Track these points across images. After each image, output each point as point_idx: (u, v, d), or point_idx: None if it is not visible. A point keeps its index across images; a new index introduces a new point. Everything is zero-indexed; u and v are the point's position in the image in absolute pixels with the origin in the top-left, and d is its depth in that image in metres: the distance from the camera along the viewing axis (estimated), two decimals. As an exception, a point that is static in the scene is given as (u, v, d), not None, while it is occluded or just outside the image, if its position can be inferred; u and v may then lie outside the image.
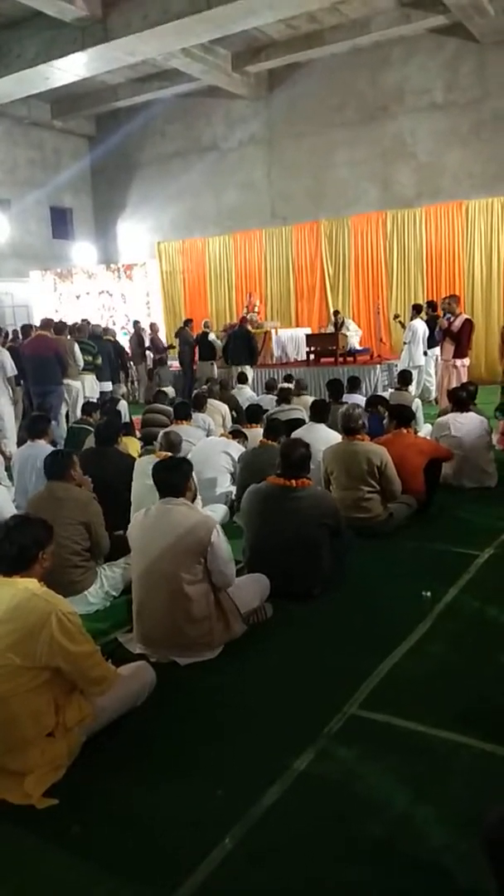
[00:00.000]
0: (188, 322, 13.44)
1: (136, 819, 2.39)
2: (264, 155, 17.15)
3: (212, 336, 12.84)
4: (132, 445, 6.77)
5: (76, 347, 9.70)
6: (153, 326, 14.40)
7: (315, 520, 3.98)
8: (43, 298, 17.13)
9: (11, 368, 8.47)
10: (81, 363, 9.78)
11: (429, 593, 3.95)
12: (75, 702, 2.62)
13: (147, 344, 14.04)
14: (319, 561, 3.99)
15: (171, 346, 14.22)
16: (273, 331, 13.48)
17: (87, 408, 8.69)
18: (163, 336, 14.74)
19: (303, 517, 3.97)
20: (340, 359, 11.84)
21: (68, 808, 2.42)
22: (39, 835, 2.32)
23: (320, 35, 14.48)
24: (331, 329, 13.10)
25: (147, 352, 13.96)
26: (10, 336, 11.42)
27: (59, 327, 9.98)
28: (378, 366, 11.57)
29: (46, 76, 14.14)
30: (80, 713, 2.61)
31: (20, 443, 6.86)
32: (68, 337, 10.10)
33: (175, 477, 3.56)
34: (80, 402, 9.17)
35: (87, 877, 2.15)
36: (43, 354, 8.93)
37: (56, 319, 10.83)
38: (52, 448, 6.11)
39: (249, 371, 11.29)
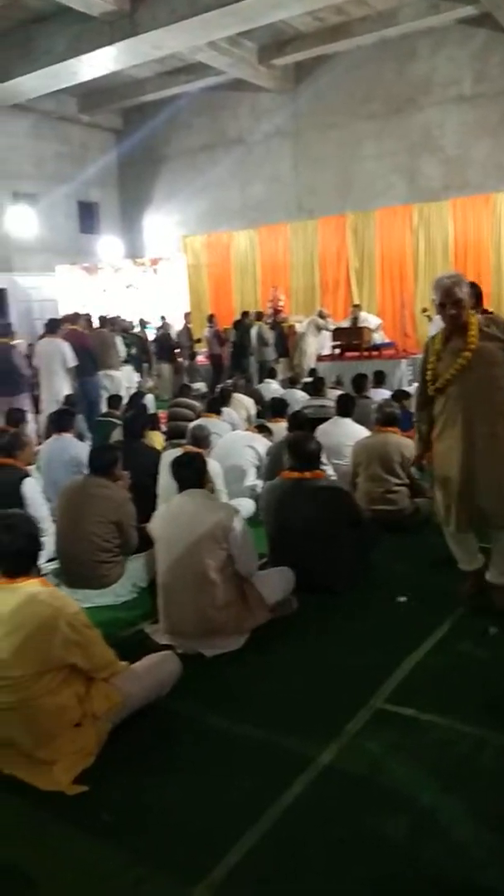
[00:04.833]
0: (212, 317, 13.54)
1: (163, 807, 2.42)
2: (290, 148, 17.09)
3: (255, 330, 12.76)
4: (156, 439, 6.82)
5: (118, 340, 9.89)
6: (187, 317, 14.47)
7: (331, 511, 4.00)
8: (70, 293, 17.24)
9: (73, 359, 8.72)
10: (123, 355, 9.98)
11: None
12: (101, 690, 2.66)
13: (175, 338, 14.11)
14: (339, 553, 4.00)
15: (198, 340, 14.28)
16: (297, 325, 13.46)
17: (113, 401, 8.80)
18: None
19: (318, 509, 3.99)
20: (365, 353, 11.79)
21: (97, 795, 2.46)
22: (69, 821, 2.36)
23: (347, 27, 14.36)
24: (349, 323, 13.03)
25: (175, 346, 14.03)
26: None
27: (103, 321, 10.25)
28: (403, 360, 11.49)
29: (74, 71, 14.19)
30: (107, 701, 2.64)
31: (46, 436, 6.94)
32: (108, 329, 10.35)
33: (191, 472, 3.64)
34: (123, 392, 9.37)
35: (116, 863, 2.19)
36: (76, 348, 9.10)
37: (82, 314, 10.96)
38: (78, 441, 6.20)
39: (279, 365, 11.35)
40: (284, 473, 4.18)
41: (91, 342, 9.49)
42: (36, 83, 14.72)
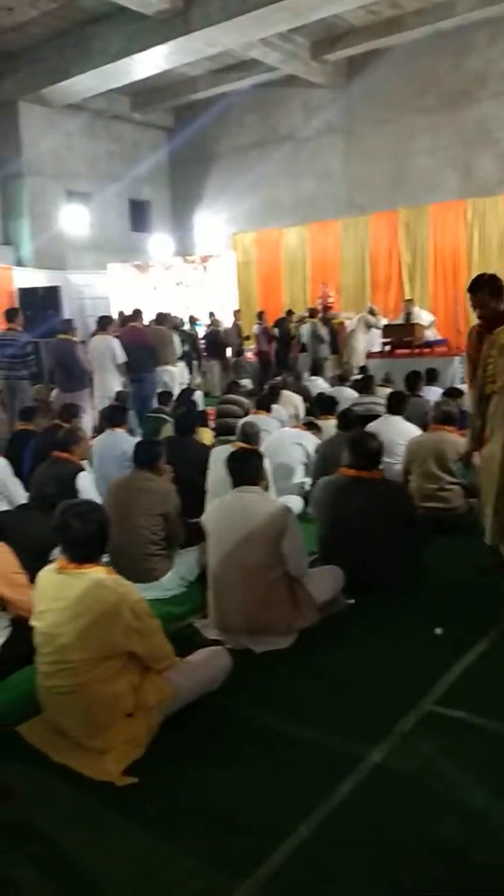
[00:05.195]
0: (261, 314, 13.57)
1: (211, 802, 2.43)
2: (342, 143, 16.96)
3: (308, 327, 12.74)
4: (205, 435, 6.86)
5: (175, 336, 10.06)
6: (237, 314, 14.53)
7: (388, 512, 3.96)
8: (121, 290, 17.44)
9: (122, 356, 8.87)
10: (180, 351, 10.15)
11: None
12: (154, 682, 2.69)
13: (223, 335, 14.18)
14: (393, 553, 3.96)
15: (247, 337, 14.31)
16: (347, 322, 13.37)
17: (163, 397, 8.89)
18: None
19: (375, 509, 3.95)
20: (416, 350, 11.64)
21: (147, 787, 2.48)
22: (121, 812, 2.39)
23: (401, 20, 14.17)
24: (402, 319, 12.88)
25: (224, 343, 14.10)
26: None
27: (161, 318, 10.46)
28: (456, 358, 11.30)
29: (127, 70, 14.36)
30: (159, 693, 2.67)
31: (98, 431, 7.04)
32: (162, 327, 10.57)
33: (247, 468, 3.63)
34: (177, 387, 9.51)
35: (165, 855, 2.21)
36: (135, 344, 9.25)
37: (132, 311, 11.09)
38: (129, 436, 6.28)
39: (328, 363, 11.34)
40: (342, 470, 4.16)
41: (151, 339, 9.64)
42: (90, 82, 14.93)
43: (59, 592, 2.63)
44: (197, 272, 16.74)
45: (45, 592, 2.69)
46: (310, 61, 15.42)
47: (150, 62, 14.06)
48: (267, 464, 5.19)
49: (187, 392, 9.27)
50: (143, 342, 9.49)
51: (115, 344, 9.07)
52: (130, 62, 13.92)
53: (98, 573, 2.64)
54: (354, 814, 2.34)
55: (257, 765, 2.61)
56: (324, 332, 12.43)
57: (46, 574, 2.73)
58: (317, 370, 10.54)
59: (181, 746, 2.69)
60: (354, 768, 2.53)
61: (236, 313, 14.97)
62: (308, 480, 5.69)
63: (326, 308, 13.66)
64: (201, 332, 14.60)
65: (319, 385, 9.40)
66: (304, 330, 12.74)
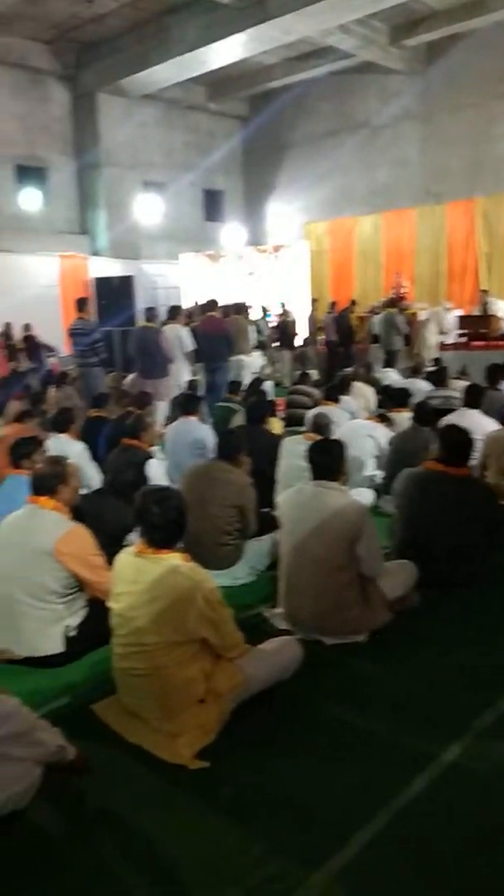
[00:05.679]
0: (333, 304, 13.48)
1: (282, 791, 2.44)
2: (419, 131, 16.62)
3: (382, 316, 12.59)
4: (275, 426, 6.85)
5: (251, 326, 10.13)
6: (314, 304, 14.48)
7: (474, 510, 3.86)
8: (193, 280, 17.58)
9: (191, 344, 8.98)
10: (254, 341, 10.21)
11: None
12: (226, 669, 2.71)
13: (293, 325, 14.14)
14: (473, 551, 3.87)
15: (320, 328, 14.22)
16: (420, 313, 13.13)
17: (233, 387, 8.92)
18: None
19: (461, 506, 3.85)
20: (493, 342, 11.33)
21: (218, 773, 2.51)
22: (191, 795, 2.42)
23: (483, 3, 13.74)
24: (478, 310, 12.57)
25: (294, 333, 14.07)
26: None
27: (238, 308, 10.56)
28: (534, 351, 10.97)
29: (204, 59, 14.41)
30: (230, 681, 2.69)
31: (172, 418, 7.12)
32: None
33: (330, 460, 3.56)
34: (248, 377, 9.56)
35: (236, 841, 2.22)
36: (212, 334, 9.32)
37: (208, 301, 11.17)
38: (202, 425, 6.33)
39: (401, 354, 11.18)
40: (427, 464, 4.09)
41: (227, 328, 9.71)
42: (167, 72, 15.05)
43: (136, 576, 2.67)
44: (268, 262, 16.71)
45: (123, 575, 2.74)
46: (388, 47, 15.15)
47: (226, 51, 14.07)
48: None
49: (258, 382, 9.27)
50: (220, 332, 9.54)
51: (185, 333, 9.15)
52: (207, 51, 13.96)
53: (174, 559, 2.67)
54: (427, 811, 2.31)
55: (328, 756, 2.61)
56: (402, 323, 12.21)
57: (125, 557, 2.78)
58: (390, 362, 10.39)
59: (252, 734, 2.70)
60: (427, 766, 2.50)
61: (314, 303, 14.88)
62: (379, 473, 5.62)
63: (400, 298, 13.44)
64: (272, 322, 14.57)
65: (392, 377, 9.26)
66: (377, 320, 12.56)
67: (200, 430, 5.96)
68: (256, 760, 2.59)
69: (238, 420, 6.94)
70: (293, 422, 7.84)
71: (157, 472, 5.11)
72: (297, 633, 3.35)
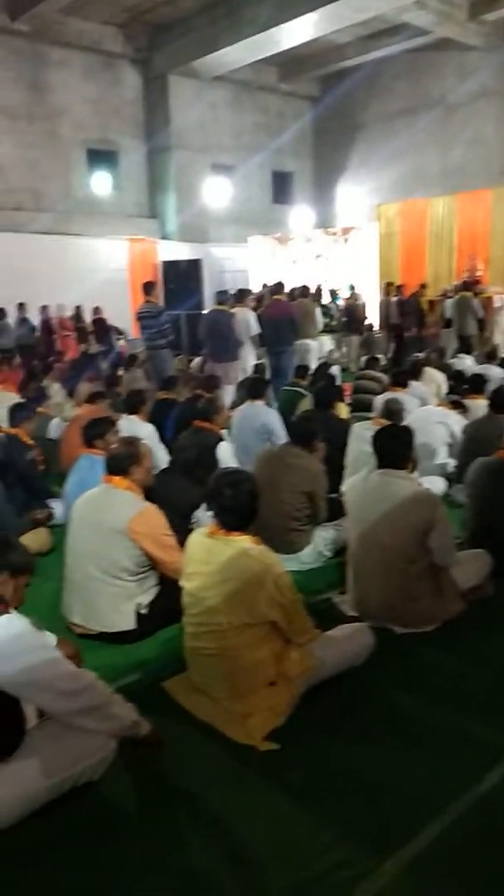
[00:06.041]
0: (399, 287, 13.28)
1: (353, 777, 2.42)
2: (497, 109, 16.09)
3: (455, 300, 12.32)
4: (342, 411, 6.77)
5: (318, 310, 10.05)
6: (390, 289, 14.25)
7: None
8: (260, 263, 17.53)
9: (257, 328, 9.00)
10: (321, 325, 10.12)
11: None
12: (297, 653, 2.70)
13: (362, 309, 13.94)
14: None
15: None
16: (496, 297, 12.74)
17: (300, 371, 8.86)
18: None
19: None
20: None
21: (287, 756, 2.51)
22: (261, 776, 2.43)
23: None
24: None
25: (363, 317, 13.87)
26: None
27: (303, 291, 10.50)
28: None
29: (277, 39, 14.27)
30: (301, 665, 2.68)
31: (239, 402, 7.13)
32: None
33: (397, 446, 3.48)
34: (315, 361, 9.51)
35: (306, 826, 2.22)
36: (278, 318, 9.30)
37: (274, 284, 11.12)
38: (269, 409, 6.31)
39: (476, 340, 10.91)
40: (500, 452, 3.98)
41: (294, 312, 9.65)
42: (239, 54, 14.98)
43: (208, 556, 2.69)
44: (337, 244, 16.49)
45: (195, 555, 2.76)
46: (466, 23, 14.69)
47: (298, 30, 13.89)
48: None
49: (325, 366, 9.19)
50: (286, 315, 9.49)
51: (252, 317, 9.14)
52: (279, 31, 13.82)
53: (245, 542, 2.68)
54: (497, 808, 2.26)
55: (397, 746, 2.57)
56: (477, 306, 11.87)
57: (197, 537, 2.80)
58: (465, 347, 10.12)
59: (321, 719, 2.69)
60: (500, 759, 2.44)
61: (388, 287, 14.61)
62: (451, 462, 5.50)
63: (475, 282, 13.09)
64: (340, 305, 14.40)
65: (467, 363, 9.03)
66: (449, 304, 12.27)
67: (267, 415, 5.94)
68: (325, 746, 2.58)
69: (305, 405, 6.89)
70: (360, 407, 7.77)
71: (227, 454, 5.12)
72: (366, 621, 3.32)
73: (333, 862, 2.09)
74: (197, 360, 10.72)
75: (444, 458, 5.58)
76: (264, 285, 11.84)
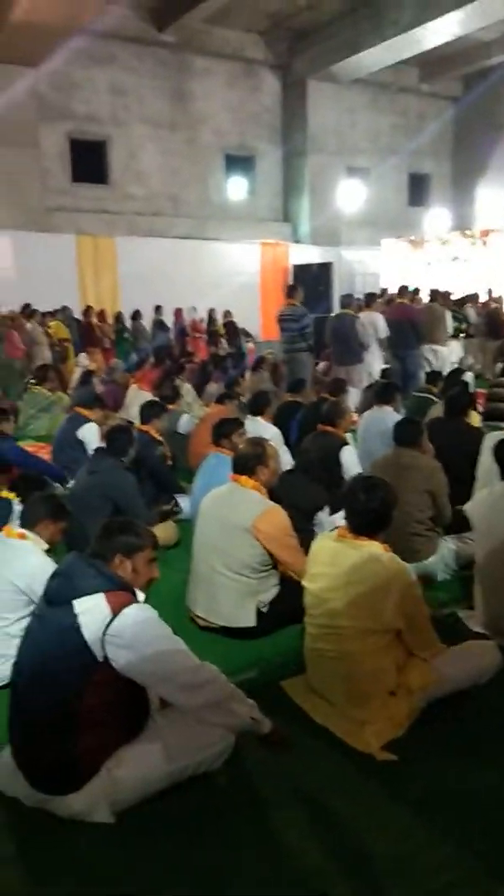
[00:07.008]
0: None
1: (472, 795, 2.35)
2: None
3: None
4: (474, 419, 6.55)
5: (448, 315, 9.82)
6: None
7: None
8: (393, 266, 17.27)
9: (384, 330, 8.93)
10: (451, 330, 9.89)
11: None
12: (419, 666, 2.65)
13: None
14: None
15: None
16: None
17: (431, 377, 8.65)
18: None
19: None
20: None
21: (405, 768, 2.46)
22: (379, 787, 2.39)
23: None
24: None
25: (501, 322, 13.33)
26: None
27: (434, 294, 10.42)
28: None
29: (418, 39, 14.03)
30: (422, 678, 2.62)
31: (366, 406, 7.05)
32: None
33: None
34: (446, 368, 9.27)
35: (422, 840, 2.18)
36: (399, 321, 9.19)
37: (408, 287, 10.93)
38: (396, 415, 6.20)
39: None
40: None
41: (417, 316, 9.46)
42: (380, 56, 14.84)
43: (334, 559, 2.68)
44: (475, 247, 15.97)
45: (321, 557, 2.76)
46: None
47: (442, 29, 13.59)
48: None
49: (458, 372, 8.92)
50: (406, 318, 9.31)
51: (379, 319, 9.03)
52: (422, 31, 13.58)
53: (374, 548, 2.65)
54: None
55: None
56: None
57: (324, 541, 2.81)
58: None
59: (442, 735, 2.62)
60: None
61: None
62: None
63: None
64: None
65: None
66: None
67: (394, 420, 5.83)
68: (445, 762, 2.50)
69: (436, 412, 6.71)
70: (494, 416, 7.47)
71: (351, 459, 5.09)
72: (493, 638, 3.20)
73: (447, 881, 2.03)
74: (322, 364, 10.70)
75: None
76: (401, 288, 11.67)
